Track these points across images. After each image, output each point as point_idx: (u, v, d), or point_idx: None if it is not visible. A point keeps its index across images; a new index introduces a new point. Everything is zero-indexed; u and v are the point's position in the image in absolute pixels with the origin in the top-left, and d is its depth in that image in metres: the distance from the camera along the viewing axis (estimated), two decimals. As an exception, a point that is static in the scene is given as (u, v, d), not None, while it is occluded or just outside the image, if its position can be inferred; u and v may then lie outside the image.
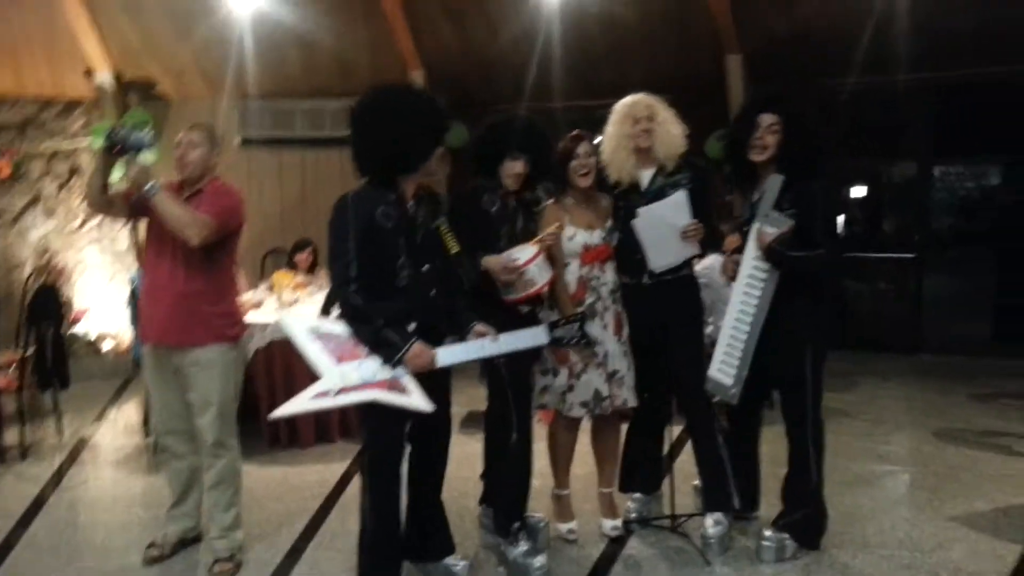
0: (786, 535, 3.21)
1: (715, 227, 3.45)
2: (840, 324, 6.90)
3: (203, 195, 3.18)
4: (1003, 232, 7.51)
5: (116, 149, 3.02)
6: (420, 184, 2.82)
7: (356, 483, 4.13)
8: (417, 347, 2.64)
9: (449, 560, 3.03)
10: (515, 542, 3.10)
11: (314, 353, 2.67)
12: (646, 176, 3.34)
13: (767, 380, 3.28)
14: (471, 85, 6.82)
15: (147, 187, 3.00)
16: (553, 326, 2.85)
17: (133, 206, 3.19)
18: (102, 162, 3.09)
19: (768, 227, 3.06)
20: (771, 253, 3.04)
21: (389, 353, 2.64)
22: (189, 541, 3.45)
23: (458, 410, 3.13)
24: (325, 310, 4.28)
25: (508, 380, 3.09)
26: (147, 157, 3.15)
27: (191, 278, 3.14)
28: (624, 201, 3.36)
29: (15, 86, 7.14)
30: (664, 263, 3.30)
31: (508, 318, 3.01)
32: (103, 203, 3.17)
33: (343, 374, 2.65)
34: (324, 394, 2.64)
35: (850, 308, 7.42)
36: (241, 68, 7.02)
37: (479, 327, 2.79)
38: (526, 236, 3.17)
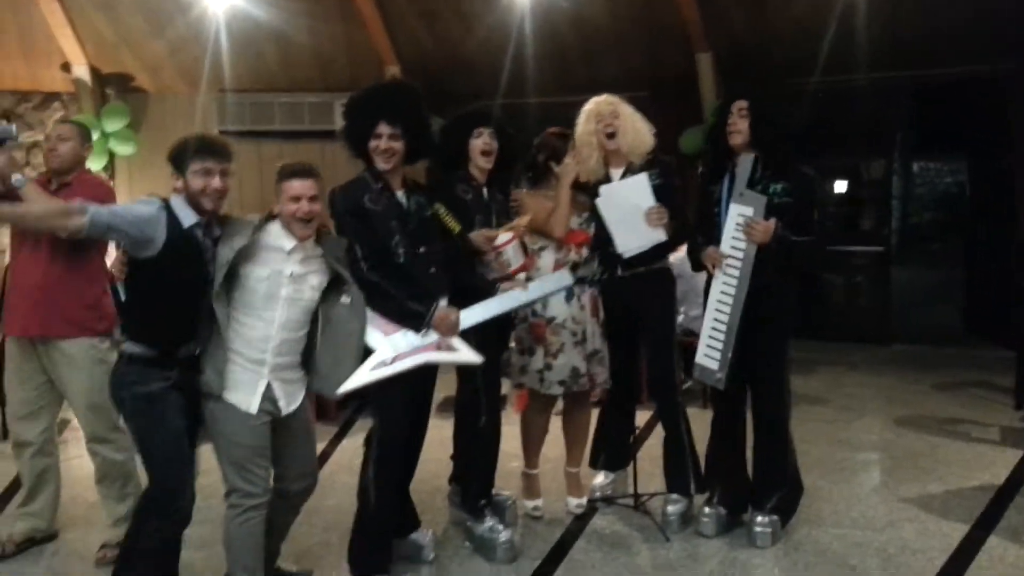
0: (776, 517, 3.28)
1: (685, 220, 3.51)
2: (811, 312, 6.97)
3: (71, 188, 3.15)
4: (975, 225, 7.67)
5: None
6: (405, 175, 2.98)
7: (333, 462, 4.30)
8: (441, 311, 2.80)
9: (415, 535, 3.17)
10: (481, 518, 3.22)
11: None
12: (616, 174, 3.47)
13: (747, 362, 3.24)
14: (446, 81, 6.88)
15: (14, 179, 2.93)
16: (574, 267, 3.09)
17: (1, 199, 3.05)
18: None
19: (743, 205, 3.12)
20: (780, 240, 3.07)
21: (415, 323, 2.79)
22: (39, 540, 3.37)
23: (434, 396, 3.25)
24: None
25: (478, 367, 3.17)
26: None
27: (57, 270, 3.11)
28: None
29: (-10, 80, 7.16)
30: (630, 246, 3.38)
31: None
32: None
33: (394, 343, 2.79)
34: (381, 364, 2.76)
35: (825, 299, 7.56)
36: (218, 63, 7.06)
37: (505, 284, 3.00)
38: (499, 226, 3.27)
